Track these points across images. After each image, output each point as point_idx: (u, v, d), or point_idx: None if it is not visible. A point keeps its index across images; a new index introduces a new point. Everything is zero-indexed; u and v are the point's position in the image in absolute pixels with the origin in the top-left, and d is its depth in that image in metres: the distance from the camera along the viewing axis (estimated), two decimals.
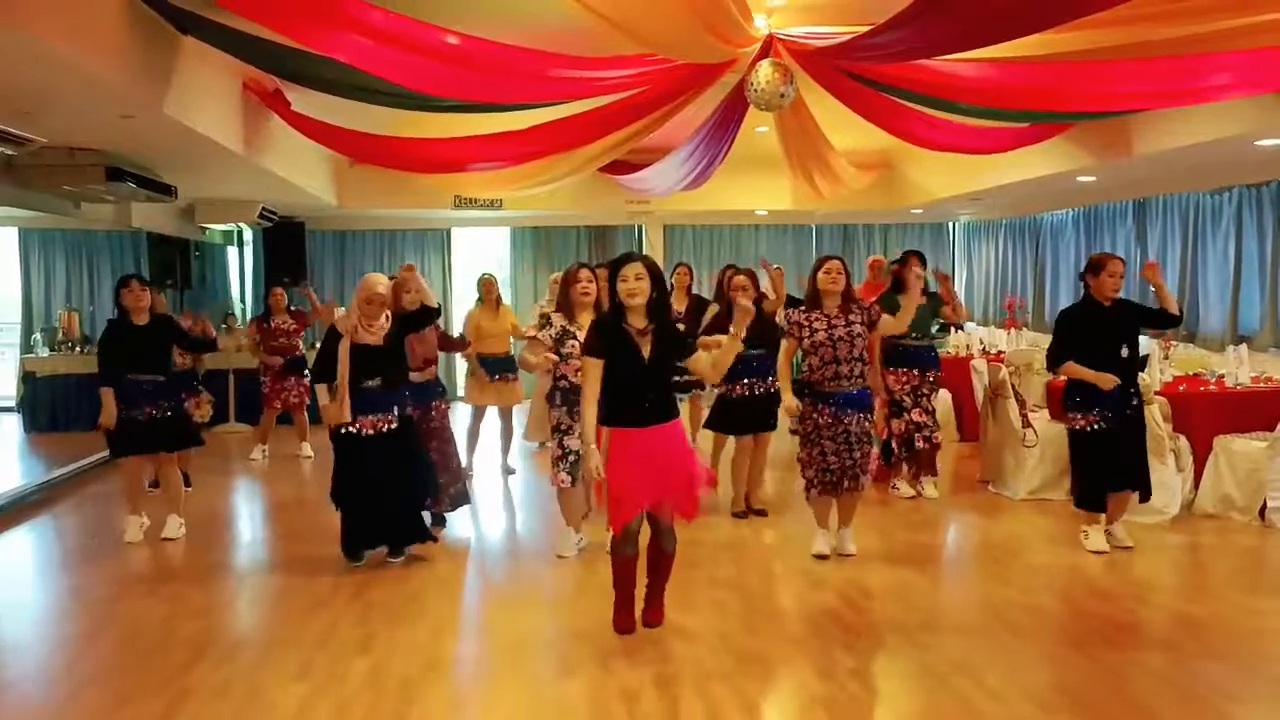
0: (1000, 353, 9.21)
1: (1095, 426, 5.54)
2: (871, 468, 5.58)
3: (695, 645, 4.35)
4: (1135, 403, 5.62)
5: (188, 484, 7.48)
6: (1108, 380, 5.49)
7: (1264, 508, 6.21)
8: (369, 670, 4.12)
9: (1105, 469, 5.60)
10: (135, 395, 6.13)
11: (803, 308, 5.61)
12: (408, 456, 5.63)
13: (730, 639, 4.43)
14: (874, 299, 6.58)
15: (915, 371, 6.98)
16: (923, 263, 7.13)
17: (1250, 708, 3.73)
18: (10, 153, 6.11)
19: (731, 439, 6.79)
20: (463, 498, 6.49)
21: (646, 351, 4.29)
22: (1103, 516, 5.77)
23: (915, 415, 6.96)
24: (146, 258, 9.89)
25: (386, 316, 5.56)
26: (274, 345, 9.07)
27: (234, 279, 12.60)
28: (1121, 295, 5.67)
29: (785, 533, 6.34)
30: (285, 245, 12.07)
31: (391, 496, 5.54)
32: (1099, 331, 5.55)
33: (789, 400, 5.51)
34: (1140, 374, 6.00)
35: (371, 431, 5.47)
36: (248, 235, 12.58)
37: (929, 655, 4.20)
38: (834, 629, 4.58)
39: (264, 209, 10.55)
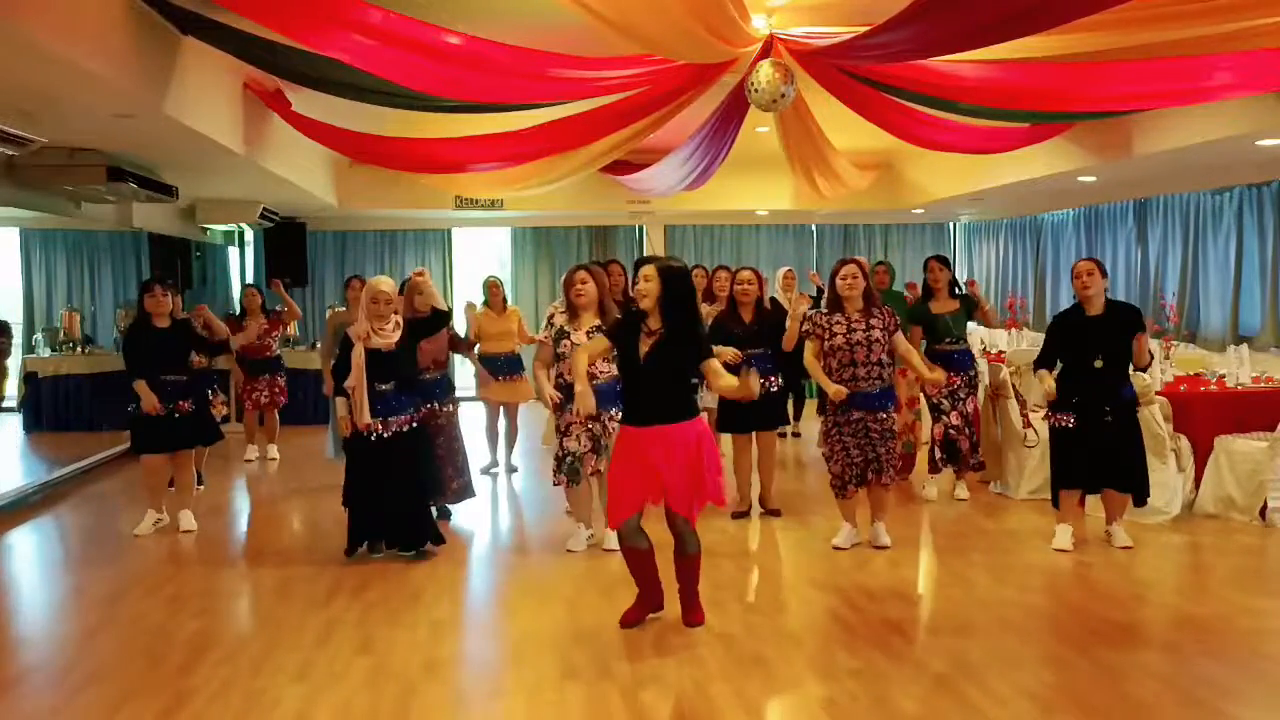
0: (1001, 353, 9.20)
1: (1063, 425, 5.64)
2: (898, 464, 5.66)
3: (695, 645, 4.35)
4: (1116, 409, 5.59)
5: (201, 482, 7.51)
6: (1050, 388, 5.54)
7: (1264, 508, 6.20)
8: (369, 670, 4.12)
9: (1062, 466, 5.70)
10: (159, 394, 6.33)
11: (824, 310, 5.64)
12: (421, 456, 5.82)
13: (731, 639, 4.42)
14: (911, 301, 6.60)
15: (953, 374, 6.96)
16: (946, 266, 7.12)
17: (1250, 708, 3.73)
18: (11, 153, 6.11)
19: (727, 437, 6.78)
20: (466, 491, 6.67)
21: (642, 352, 4.31)
22: (1068, 514, 5.79)
23: (954, 419, 6.96)
24: (148, 258, 9.88)
25: (396, 323, 5.61)
26: (248, 346, 9.04)
27: (235, 279, 12.59)
28: (1124, 301, 5.71)
29: (786, 533, 6.34)
30: (286, 246, 12.07)
31: (403, 496, 5.65)
32: (1073, 339, 5.65)
33: (832, 388, 5.53)
34: (1141, 374, 5.99)
35: (388, 434, 5.59)
36: (249, 236, 12.57)
37: (929, 655, 4.21)
38: (834, 629, 4.58)
39: (265, 209, 10.54)
